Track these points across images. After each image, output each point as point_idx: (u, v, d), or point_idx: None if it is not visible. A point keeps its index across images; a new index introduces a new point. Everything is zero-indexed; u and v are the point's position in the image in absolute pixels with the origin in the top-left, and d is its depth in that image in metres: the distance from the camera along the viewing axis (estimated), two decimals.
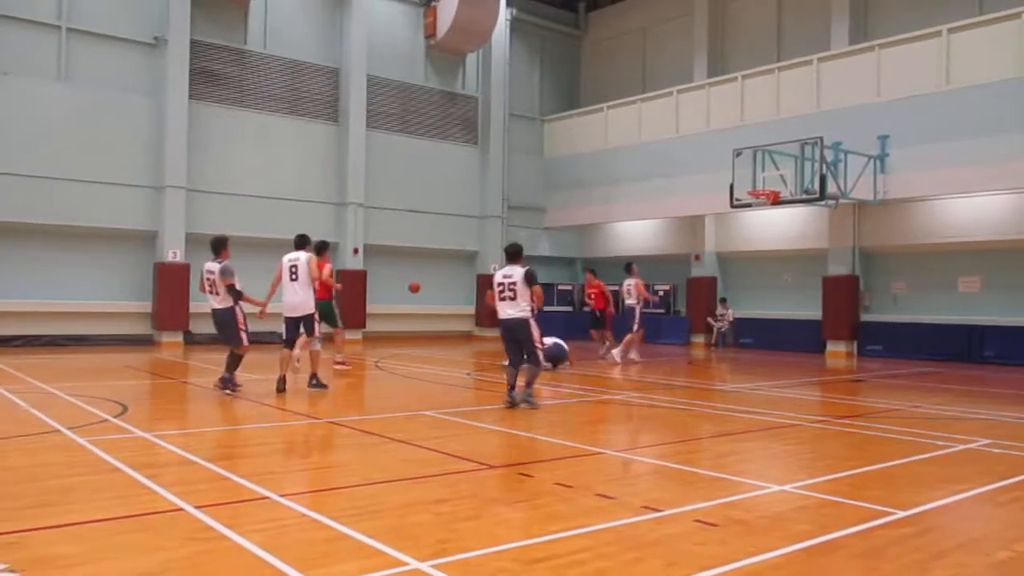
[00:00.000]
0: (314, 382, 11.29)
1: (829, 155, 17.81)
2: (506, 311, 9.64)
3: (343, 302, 16.45)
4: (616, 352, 16.76)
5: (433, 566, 3.94)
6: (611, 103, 25.76)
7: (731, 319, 23.12)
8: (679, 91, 23.58)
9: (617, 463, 6.89)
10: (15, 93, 18.65)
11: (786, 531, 4.69)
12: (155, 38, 20.52)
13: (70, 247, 19.52)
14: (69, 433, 7.44)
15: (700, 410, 10.21)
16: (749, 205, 18.78)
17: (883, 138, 18.38)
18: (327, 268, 13.60)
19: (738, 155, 18.50)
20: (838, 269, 20.89)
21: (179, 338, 20.16)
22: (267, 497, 5.24)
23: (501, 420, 9.04)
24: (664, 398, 11.16)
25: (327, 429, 8.33)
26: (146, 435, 7.47)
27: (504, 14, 25.96)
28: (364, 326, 23.33)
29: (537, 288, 9.61)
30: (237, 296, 10.64)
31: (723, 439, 8.15)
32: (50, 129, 19.01)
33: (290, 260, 11.16)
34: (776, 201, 17.98)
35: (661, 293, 24.77)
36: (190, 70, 20.71)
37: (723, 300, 23.65)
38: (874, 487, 5.86)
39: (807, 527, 4.79)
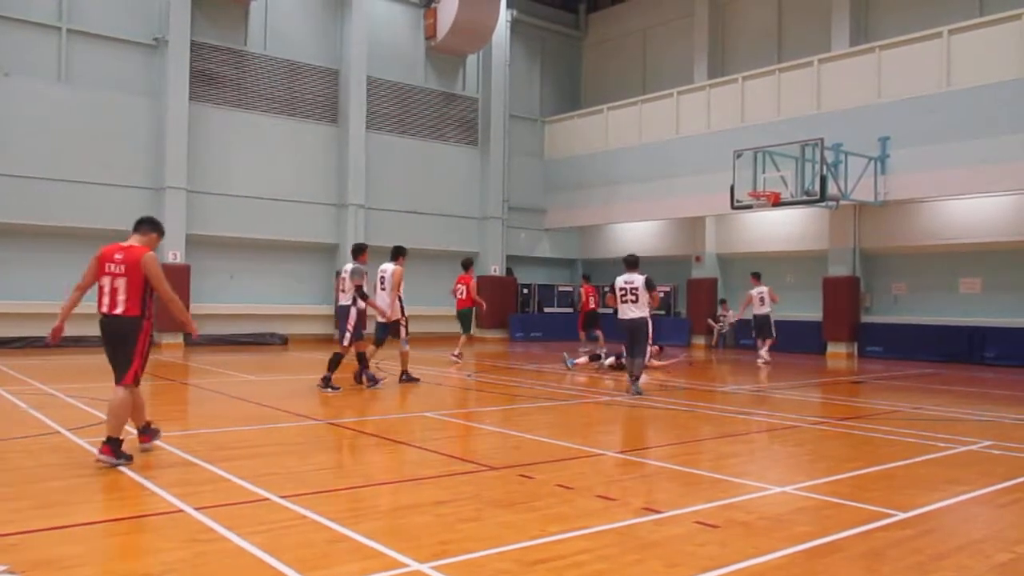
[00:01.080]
0: (404, 377, 12.44)
1: (830, 156, 17.82)
2: (629, 312, 11.19)
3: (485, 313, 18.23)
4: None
5: (433, 567, 3.94)
6: (611, 104, 25.77)
7: (732, 320, 23.12)
8: (679, 92, 23.59)
9: (618, 465, 6.88)
10: (15, 94, 18.66)
11: (787, 532, 4.69)
12: (155, 39, 20.53)
13: (70, 248, 19.45)
14: (69, 435, 7.44)
15: (701, 412, 10.21)
16: (750, 206, 18.79)
17: (884, 139, 18.38)
18: (472, 283, 16.56)
19: (739, 156, 18.50)
20: (839, 270, 20.89)
21: (179, 339, 20.15)
22: (267, 499, 5.23)
23: (502, 421, 9.05)
24: (665, 399, 11.15)
25: (327, 431, 8.33)
26: None
27: (504, 15, 25.97)
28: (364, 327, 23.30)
29: (655, 292, 11.32)
30: (362, 297, 11.47)
31: (724, 440, 8.15)
32: (50, 130, 19.02)
33: (381, 270, 12.32)
34: (777, 202, 17.98)
35: (661, 294, 24.78)
36: (190, 71, 20.71)
37: (723, 301, 23.64)
38: (875, 489, 5.86)
39: (808, 528, 4.78)
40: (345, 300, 11.44)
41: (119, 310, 6.33)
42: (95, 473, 5.95)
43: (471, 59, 26.38)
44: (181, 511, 4.89)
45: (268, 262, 22.28)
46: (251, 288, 22.02)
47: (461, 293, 16.48)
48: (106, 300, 6.38)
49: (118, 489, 5.47)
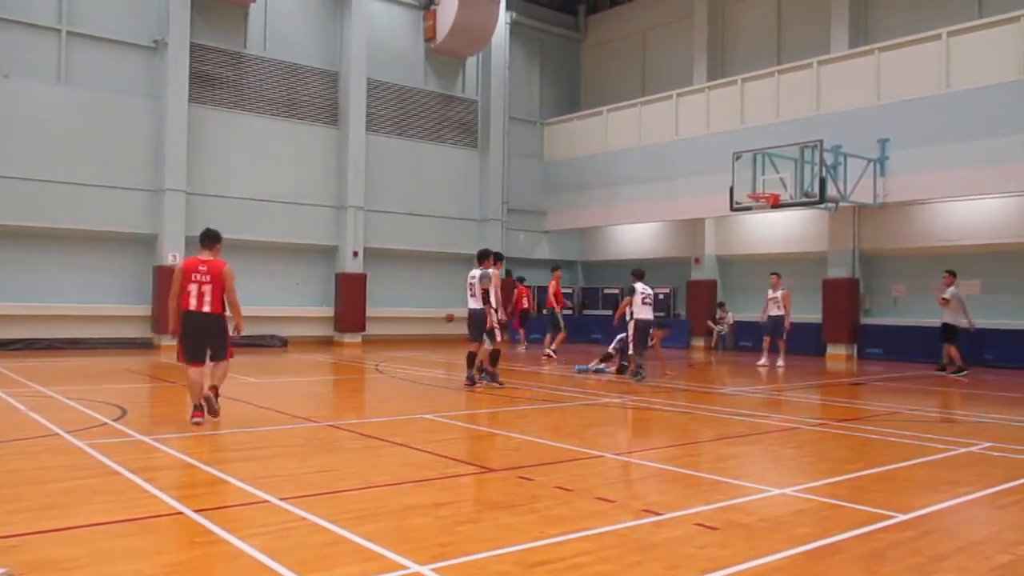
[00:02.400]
0: (483, 375, 12.64)
1: (829, 158, 17.82)
2: (651, 315, 13.82)
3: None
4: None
5: (433, 570, 3.94)
6: (611, 106, 25.78)
7: (730, 322, 23.12)
8: (679, 94, 23.60)
9: (617, 466, 6.88)
10: (15, 95, 18.67)
11: (786, 534, 4.68)
12: (155, 41, 20.54)
13: (69, 250, 19.52)
14: (68, 437, 7.44)
15: (700, 413, 10.21)
16: (749, 208, 18.78)
17: (883, 141, 18.39)
18: (552, 286, 18.71)
19: (738, 158, 18.51)
20: (838, 272, 20.88)
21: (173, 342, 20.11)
22: (267, 501, 5.23)
23: (501, 423, 9.04)
24: (664, 401, 11.15)
25: (327, 432, 8.32)
26: (145, 439, 7.46)
27: (504, 17, 25.99)
28: (364, 329, 23.33)
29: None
30: (487, 301, 12.32)
31: (723, 442, 8.15)
32: (49, 132, 19.03)
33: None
34: (776, 204, 17.98)
35: (660, 296, 24.76)
36: (190, 73, 20.71)
37: (721, 304, 23.63)
38: (874, 490, 5.85)
39: (808, 530, 4.78)
40: (478, 304, 12.29)
41: (207, 308, 8.39)
42: (94, 475, 5.94)
43: (470, 61, 26.39)
44: (181, 513, 4.89)
45: (267, 264, 22.25)
46: (250, 290, 21.92)
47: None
48: (193, 301, 8.36)
49: (118, 491, 5.46)
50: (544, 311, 20.20)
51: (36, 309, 18.77)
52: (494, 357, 12.47)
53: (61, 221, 19.10)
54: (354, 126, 23.41)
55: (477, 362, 12.40)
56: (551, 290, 18.78)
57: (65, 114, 19.27)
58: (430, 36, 25.05)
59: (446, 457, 6.80)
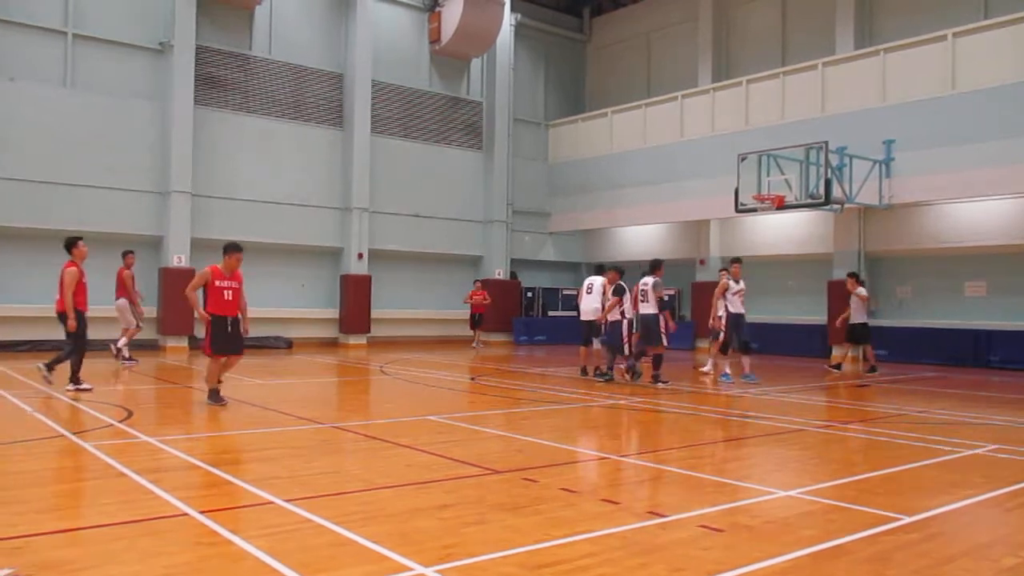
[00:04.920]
0: (598, 373, 13.96)
1: (834, 159, 17.77)
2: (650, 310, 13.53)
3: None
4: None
5: (438, 571, 3.94)
6: (616, 108, 25.76)
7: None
8: (684, 96, 23.57)
9: (622, 468, 6.87)
10: (21, 98, 18.74)
11: (792, 536, 4.67)
12: (160, 44, 20.60)
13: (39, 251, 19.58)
14: (74, 438, 7.45)
15: (705, 415, 10.19)
16: (754, 210, 18.75)
17: (888, 143, 18.34)
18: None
19: (743, 160, 18.48)
20: (843, 274, 20.80)
21: (185, 343, 20.17)
22: (271, 502, 5.24)
23: (506, 425, 9.04)
24: (669, 403, 11.14)
25: (331, 434, 8.33)
26: (151, 440, 7.47)
27: (508, 19, 26.01)
28: (368, 331, 23.34)
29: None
30: (665, 307, 13.47)
31: (728, 444, 8.13)
32: (55, 134, 19.09)
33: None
34: (781, 206, 17.94)
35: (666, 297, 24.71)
36: (195, 75, 20.76)
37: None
38: (880, 492, 5.84)
39: (813, 532, 4.77)
40: (652, 309, 13.20)
41: (236, 313, 9.87)
42: (100, 477, 5.96)
43: (475, 63, 26.41)
44: (186, 515, 4.90)
45: (272, 265, 22.27)
46: (256, 291, 21.92)
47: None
48: (229, 305, 9.81)
49: (123, 492, 5.47)
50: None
51: (41, 311, 18.78)
52: (657, 361, 13.24)
53: (66, 223, 19.09)
54: (359, 128, 23.43)
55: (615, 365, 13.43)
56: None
57: (71, 117, 19.32)
58: (435, 38, 25.07)
59: (450, 459, 6.80)
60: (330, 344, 23.00)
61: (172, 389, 12.45)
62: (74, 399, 10.21)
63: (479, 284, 23.81)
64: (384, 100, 24.39)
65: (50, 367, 10.98)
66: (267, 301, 21.28)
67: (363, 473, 6.35)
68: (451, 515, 5.05)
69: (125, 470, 6.09)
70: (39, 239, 18.97)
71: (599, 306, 13.81)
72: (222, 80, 21.66)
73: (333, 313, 23.46)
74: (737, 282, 14.46)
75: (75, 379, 10.83)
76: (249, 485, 5.68)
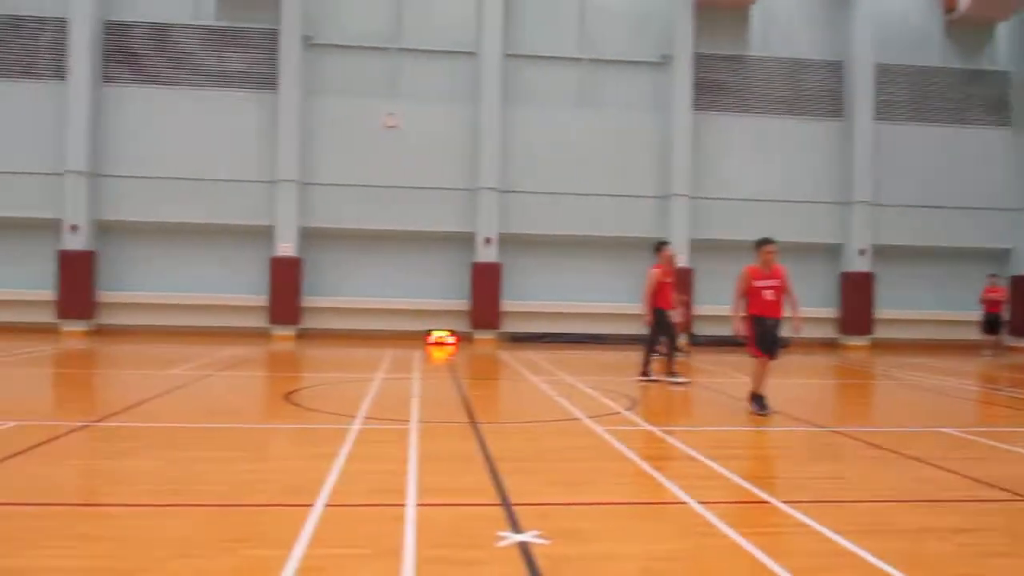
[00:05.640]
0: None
1: None
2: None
3: None
4: None
5: None
6: None
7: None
8: None
9: None
10: (542, 121, 21.66)
11: None
12: (663, 56, 21.95)
13: (585, 255, 22.01)
14: (588, 422, 8.27)
15: None
16: None
17: None
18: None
19: None
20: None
21: (683, 339, 21.17)
22: (767, 501, 5.19)
23: None
24: None
25: (830, 438, 7.96)
26: (653, 429, 7.97)
27: None
28: (870, 332, 21.88)
29: None
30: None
31: None
32: (570, 150, 21.80)
33: None
34: None
35: None
36: (694, 82, 21.85)
37: None
38: None
39: None
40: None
41: (779, 315, 8.90)
42: (610, 459, 6.52)
43: (1001, 28, 23.06)
44: (684, 503, 5.10)
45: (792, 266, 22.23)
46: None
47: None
48: (771, 306, 8.88)
49: (630, 475, 5.92)
50: None
51: (559, 307, 21.63)
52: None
53: (580, 229, 21.61)
54: (860, 116, 22.13)
55: None
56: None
57: (583, 134, 21.74)
58: (950, 7, 22.50)
59: (969, 478, 6.02)
60: (829, 345, 22.08)
61: (671, 383, 13.08)
62: (656, 391, 11.33)
63: (994, 279, 20.33)
64: (888, 83, 22.66)
65: (645, 372, 11.90)
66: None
67: (865, 483, 5.95)
68: (969, 541, 4.47)
69: (630, 455, 6.57)
70: (574, 245, 21.71)
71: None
72: (719, 84, 22.28)
73: (830, 313, 22.53)
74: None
75: (647, 371, 11.83)
76: (744, 481, 5.71)
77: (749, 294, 8.94)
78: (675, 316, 14.73)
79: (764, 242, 9.02)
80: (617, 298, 21.72)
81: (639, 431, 7.89)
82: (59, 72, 20.48)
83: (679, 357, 14.39)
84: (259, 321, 20.82)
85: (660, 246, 12.39)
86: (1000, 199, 22.89)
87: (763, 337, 8.92)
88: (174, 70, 21.07)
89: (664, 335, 12.04)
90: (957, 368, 15.96)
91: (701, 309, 20.68)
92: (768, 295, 8.82)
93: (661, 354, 12.22)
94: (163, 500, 4.95)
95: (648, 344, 12.04)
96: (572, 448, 6.97)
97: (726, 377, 13.52)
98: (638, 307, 21.38)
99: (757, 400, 8.97)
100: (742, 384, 12.11)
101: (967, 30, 22.98)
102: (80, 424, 7.43)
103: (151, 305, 20.75)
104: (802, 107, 22.64)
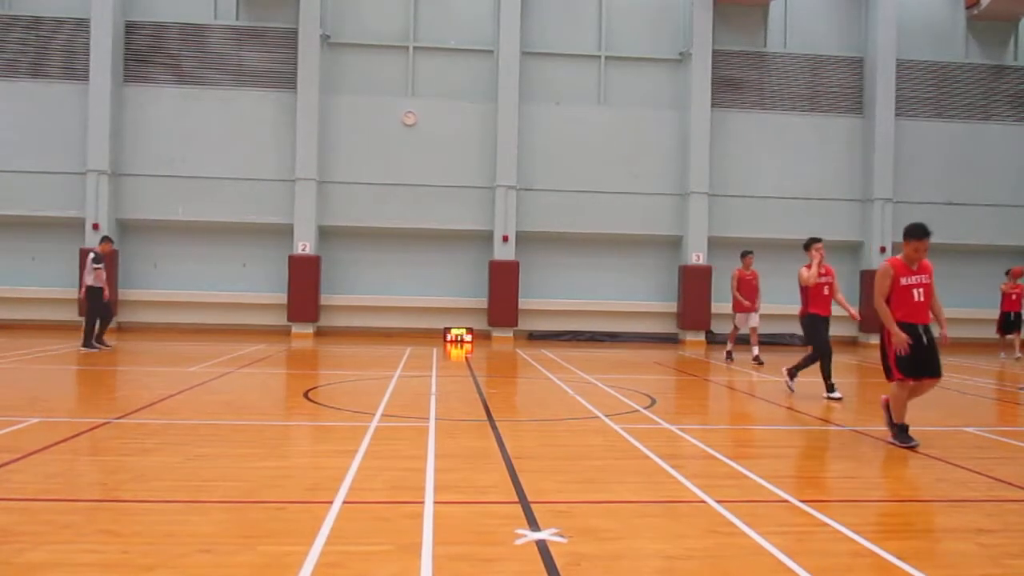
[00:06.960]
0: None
1: None
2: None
3: None
4: None
5: None
6: None
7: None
8: None
9: None
10: (565, 118, 21.60)
11: None
12: (680, 53, 21.85)
13: (603, 253, 21.93)
14: (606, 419, 8.27)
15: None
16: None
17: None
18: None
19: None
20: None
21: (701, 337, 21.07)
22: (786, 500, 5.17)
23: None
24: None
25: (850, 437, 7.91)
26: (671, 427, 7.94)
27: None
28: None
29: None
30: None
31: None
32: (590, 147, 21.76)
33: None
34: None
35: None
36: (712, 79, 21.70)
37: None
38: None
39: None
40: None
41: (928, 319, 7.23)
42: (628, 457, 6.51)
43: None
44: (703, 501, 5.09)
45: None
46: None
47: None
48: (920, 308, 7.17)
49: (648, 474, 5.90)
50: None
51: (577, 305, 21.58)
52: None
53: (599, 227, 21.53)
54: (881, 112, 21.93)
55: None
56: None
57: (602, 131, 21.66)
58: (972, 2, 22.26)
59: (993, 478, 5.96)
60: (849, 343, 21.92)
61: (689, 380, 13.06)
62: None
63: (1016, 272, 19.67)
64: (909, 79, 22.44)
65: (792, 375, 10.90)
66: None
67: (884, 482, 5.92)
68: (992, 542, 4.42)
69: (649, 453, 6.56)
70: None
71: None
72: (737, 81, 22.14)
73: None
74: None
75: (793, 373, 10.83)
76: (763, 480, 5.68)
77: (894, 294, 7.16)
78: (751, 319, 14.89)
79: (917, 233, 7.06)
80: (635, 296, 21.72)
81: (657, 429, 7.87)
82: (81, 73, 20.68)
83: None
84: (278, 319, 20.97)
85: (811, 243, 11.09)
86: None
87: (912, 352, 7.03)
88: (194, 70, 21.24)
89: (813, 343, 10.62)
90: (979, 367, 15.80)
91: (717, 307, 20.62)
92: (917, 295, 7.13)
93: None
94: (184, 496, 5.00)
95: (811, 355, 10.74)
96: (590, 446, 6.96)
97: (745, 376, 13.47)
98: (655, 305, 21.75)
99: (900, 432, 7.29)
100: (762, 382, 12.05)
101: (990, 25, 22.73)
102: (102, 420, 7.51)
103: (171, 303, 20.96)
104: (822, 104, 22.49)
